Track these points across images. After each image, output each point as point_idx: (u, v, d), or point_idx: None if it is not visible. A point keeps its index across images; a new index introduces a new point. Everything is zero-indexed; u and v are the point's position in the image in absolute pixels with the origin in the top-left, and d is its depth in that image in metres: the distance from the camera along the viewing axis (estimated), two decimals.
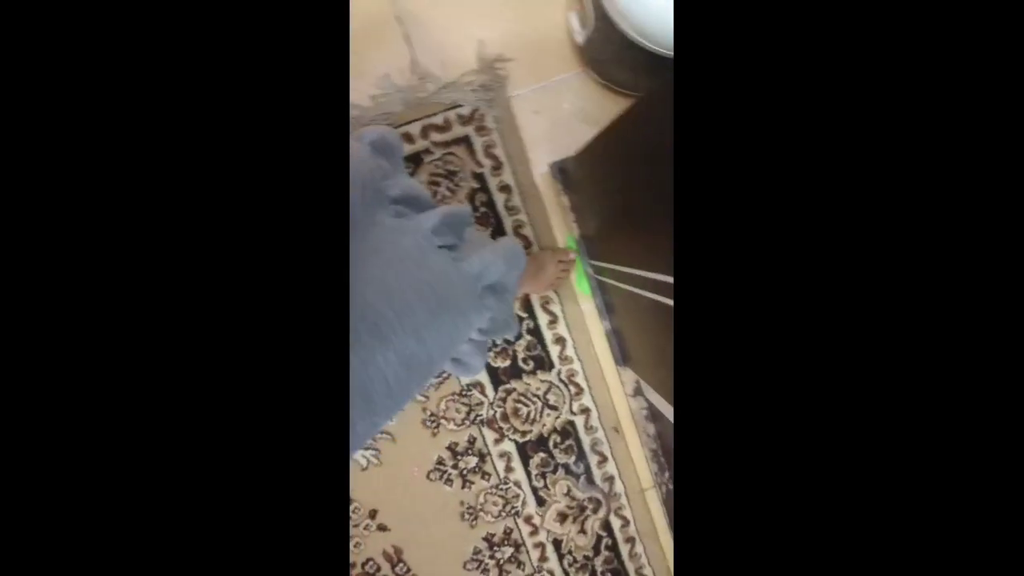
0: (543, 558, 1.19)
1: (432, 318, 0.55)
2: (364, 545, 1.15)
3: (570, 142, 0.99)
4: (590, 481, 1.17)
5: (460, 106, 1.04)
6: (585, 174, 0.95)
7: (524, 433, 1.14)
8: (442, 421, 1.12)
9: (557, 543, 1.18)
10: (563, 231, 1.08)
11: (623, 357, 1.07)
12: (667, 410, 1.00)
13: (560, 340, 1.11)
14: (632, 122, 0.67)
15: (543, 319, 1.11)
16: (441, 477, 1.14)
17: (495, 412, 1.13)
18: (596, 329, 1.11)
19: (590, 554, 1.19)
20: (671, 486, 1.20)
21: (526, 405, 1.13)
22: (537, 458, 1.15)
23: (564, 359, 1.12)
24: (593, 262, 1.02)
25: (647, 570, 1.21)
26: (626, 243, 0.77)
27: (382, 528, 1.15)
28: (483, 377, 1.12)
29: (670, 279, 0.57)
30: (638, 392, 1.11)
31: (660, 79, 0.56)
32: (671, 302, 0.60)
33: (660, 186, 0.58)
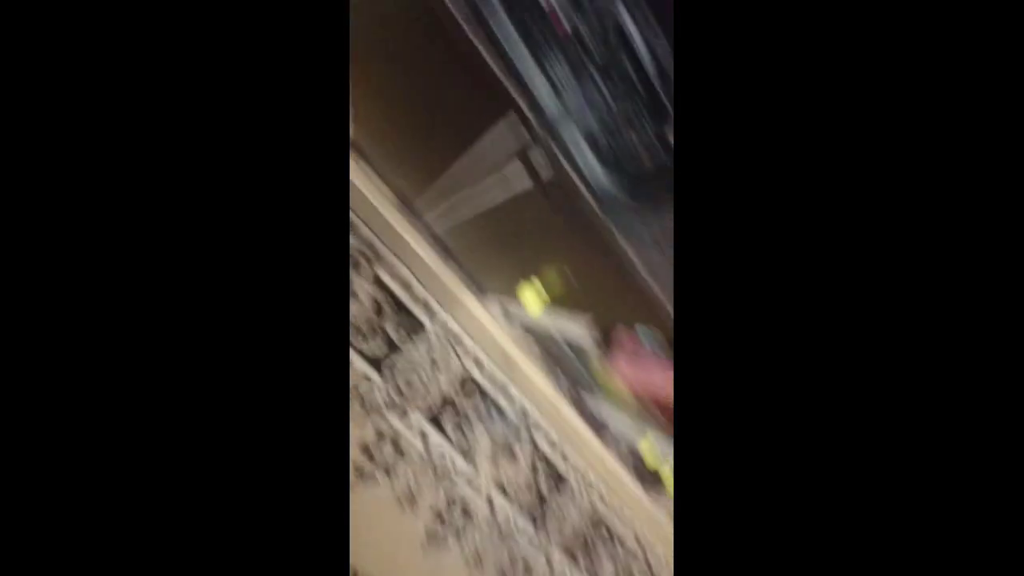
0: (490, 502, 1.21)
1: None
2: None
3: None
4: (503, 416, 1.22)
5: None
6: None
7: (424, 398, 1.15)
8: None
9: (499, 486, 1.22)
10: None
11: (479, 288, 1.14)
12: (536, 318, 1.08)
13: (423, 302, 1.14)
14: None
15: (396, 287, 1.13)
16: (361, 477, 1.11)
17: (388, 392, 1.12)
18: (447, 275, 1.16)
19: (531, 479, 1.25)
20: (571, 388, 1.31)
21: (415, 372, 1.14)
22: (447, 417, 1.17)
23: (430, 312, 1.15)
24: (419, 214, 1.06)
25: (584, 469, 1.30)
26: (432, 167, 0.82)
27: None
28: (364, 366, 1.10)
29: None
30: (507, 315, 1.19)
31: None
32: (506, 194, 0.66)
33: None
